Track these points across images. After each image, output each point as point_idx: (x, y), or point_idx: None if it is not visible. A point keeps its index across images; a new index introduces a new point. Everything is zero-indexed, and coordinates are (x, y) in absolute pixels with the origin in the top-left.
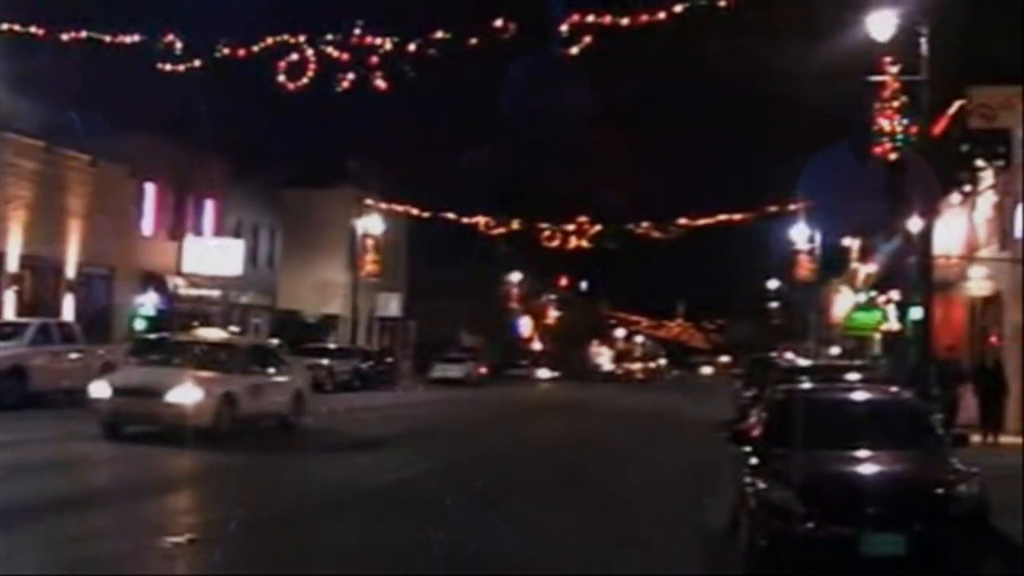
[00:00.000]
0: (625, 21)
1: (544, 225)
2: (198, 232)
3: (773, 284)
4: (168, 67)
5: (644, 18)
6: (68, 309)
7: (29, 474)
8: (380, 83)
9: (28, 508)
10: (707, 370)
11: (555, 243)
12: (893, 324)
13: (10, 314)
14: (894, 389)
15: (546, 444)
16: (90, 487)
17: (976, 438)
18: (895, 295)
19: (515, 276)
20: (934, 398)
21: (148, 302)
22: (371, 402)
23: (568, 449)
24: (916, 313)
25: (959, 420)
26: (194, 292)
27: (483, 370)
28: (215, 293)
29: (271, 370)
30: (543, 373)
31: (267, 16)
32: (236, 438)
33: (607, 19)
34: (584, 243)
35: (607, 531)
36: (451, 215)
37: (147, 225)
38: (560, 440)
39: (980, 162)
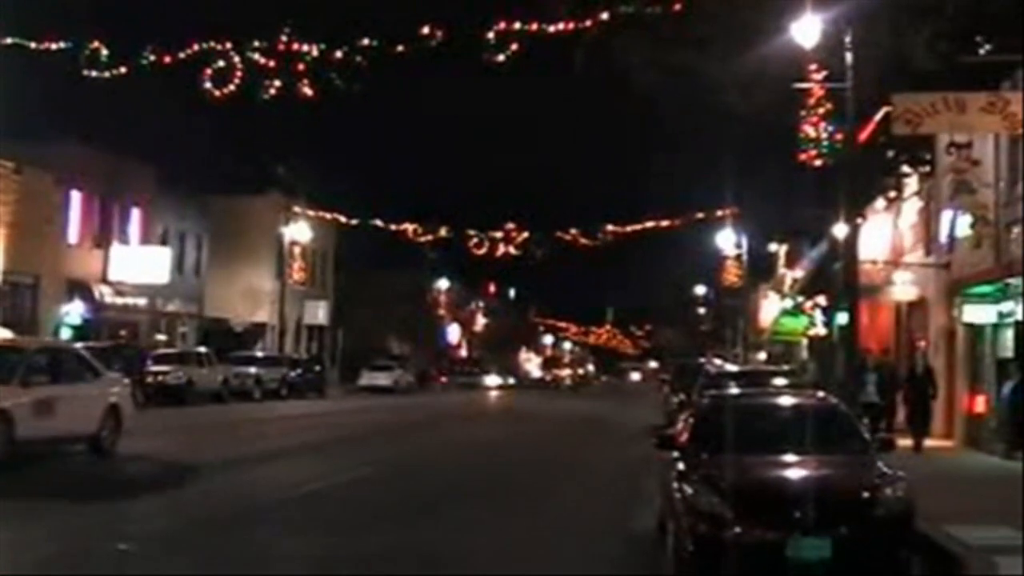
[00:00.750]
0: (552, 28)
1: (472, 232)
2: (124, 240)
3: (701, 290)
4: (94, 74)
5: (571, 25)
6: None
7: None
8: (307, 90)
9: None
10: (635, 376)
11: (483, 250)
12: (820, 329)
13: None
14: (820, 394)
15: (474, 451)
16: None
17: (905, 442)
18: (822, 300)
19: (443, 283)
20: (869, 404)
21: (74, 311)
22: (265, 413)
23: (491, 455)
24: (842, 318)
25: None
26: (120, 300)
27: (443, 379)
28: (141, 301)
29: (73, 381)
30: (492, 380)
31: (193, 23)
32: (9, 469)
33: (534, 26)
34: (512, 250)
35: (533, 537)
36: (379, 222)
37: (73, 233)
38: (486, 447)
39: (905, 168)
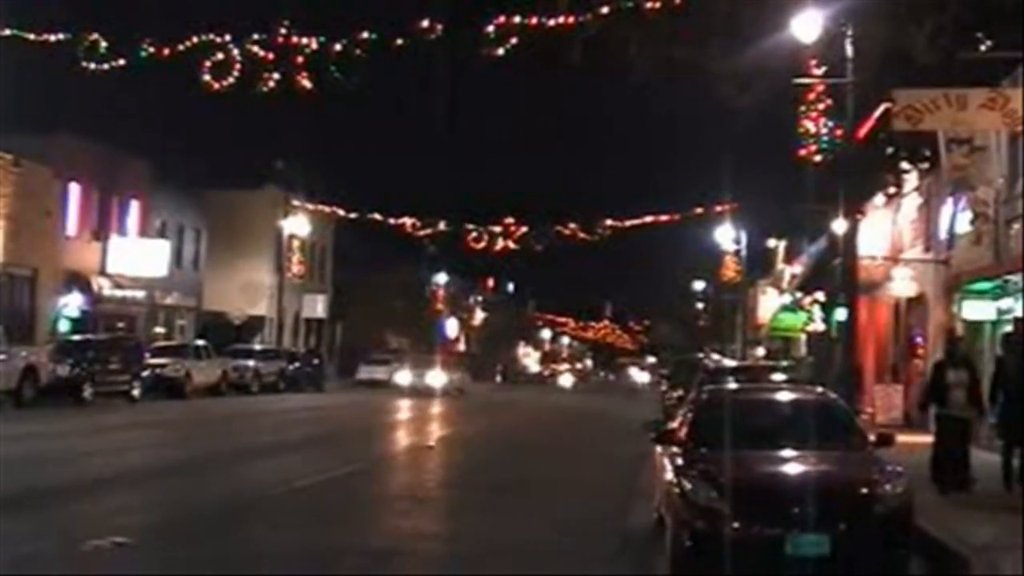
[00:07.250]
0: (551, 23)
1: (470, 226)
2: (122, 233)
3: (699, 285)
4: (92, 66)
5: (571, 20)
6: None
7: None
8: (305, 83)
9: None
10: (634, 370)
11: (481, 244)
12: (819, 325)
13: None
14: (819, 389)
15: (472, 445)
16: None
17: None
18: (821, 296)
19: (441, 277)
20: (952, 419)
21: (72, 303)
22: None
23: (488, 450)
24: (841, 314)
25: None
26: (118, 293)
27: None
28: (139, 294)
29: None
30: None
31: (191, 15)
32: None
33: (533, 20)
34: (511, 244)
35: (528, 532)
36: (377, 216)
37: (71, 226)
38: (484, 440)
39: (905, 164)
